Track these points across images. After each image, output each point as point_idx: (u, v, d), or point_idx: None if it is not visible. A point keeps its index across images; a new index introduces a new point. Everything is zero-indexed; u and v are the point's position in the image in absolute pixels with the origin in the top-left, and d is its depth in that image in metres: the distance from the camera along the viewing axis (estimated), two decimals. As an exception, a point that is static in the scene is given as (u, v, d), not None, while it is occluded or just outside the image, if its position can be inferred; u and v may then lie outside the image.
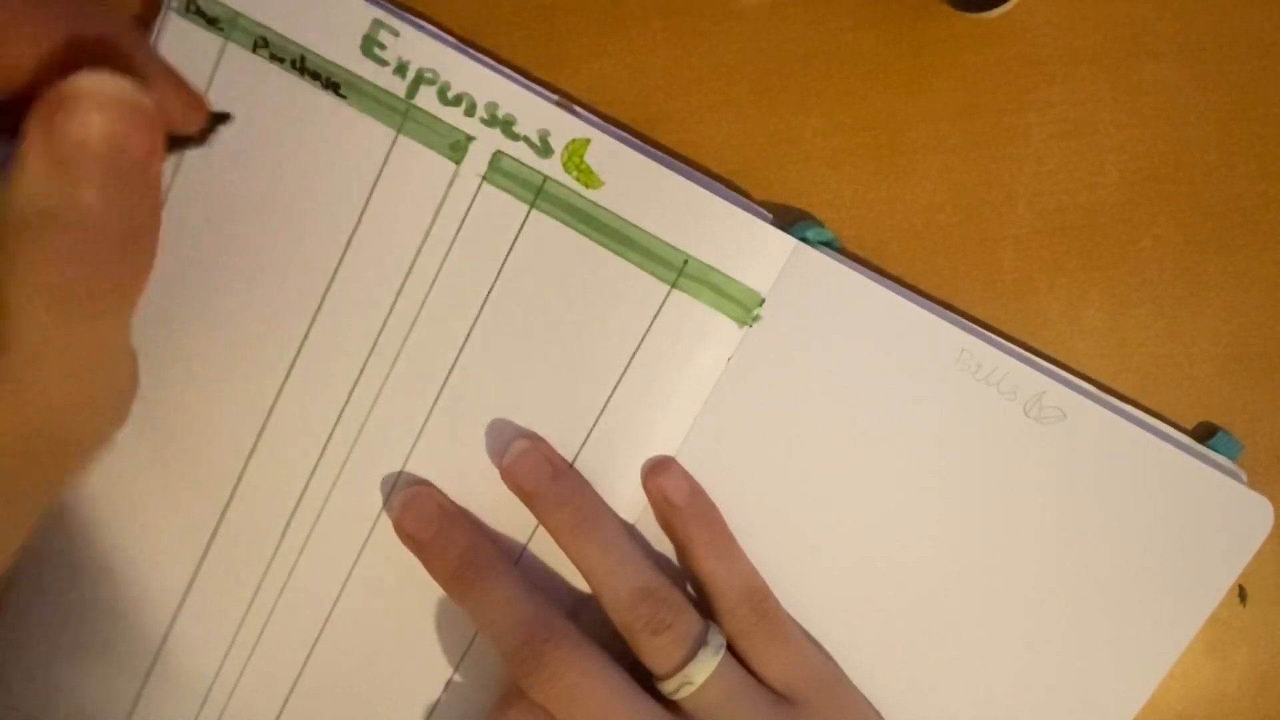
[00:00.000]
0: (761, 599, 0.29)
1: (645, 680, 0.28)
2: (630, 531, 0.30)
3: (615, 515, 0.29)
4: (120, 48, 0.18)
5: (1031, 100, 0.30)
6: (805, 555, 0.30)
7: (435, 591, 0.30)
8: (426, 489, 0.30)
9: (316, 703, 0.32)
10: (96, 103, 0.16)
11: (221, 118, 0.21)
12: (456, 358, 0.30)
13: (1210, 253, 0.29)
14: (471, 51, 0.30)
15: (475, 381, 0.30)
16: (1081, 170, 0.30)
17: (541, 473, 0.29)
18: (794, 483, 0.30)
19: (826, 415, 0.29)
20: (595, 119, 0.30)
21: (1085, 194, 0.30)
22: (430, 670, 0.32)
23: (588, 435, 0.30)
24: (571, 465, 0.30)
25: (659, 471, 0.29)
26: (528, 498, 0.29)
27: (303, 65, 0.29)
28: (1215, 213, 0.29)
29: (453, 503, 0.30)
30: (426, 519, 0.29)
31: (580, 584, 0.31)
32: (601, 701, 0.26)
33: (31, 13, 0.17)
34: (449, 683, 0.32)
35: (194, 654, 0.32)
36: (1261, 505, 0.28)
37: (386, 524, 0.31)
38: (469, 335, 0.30)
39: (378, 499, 0.31)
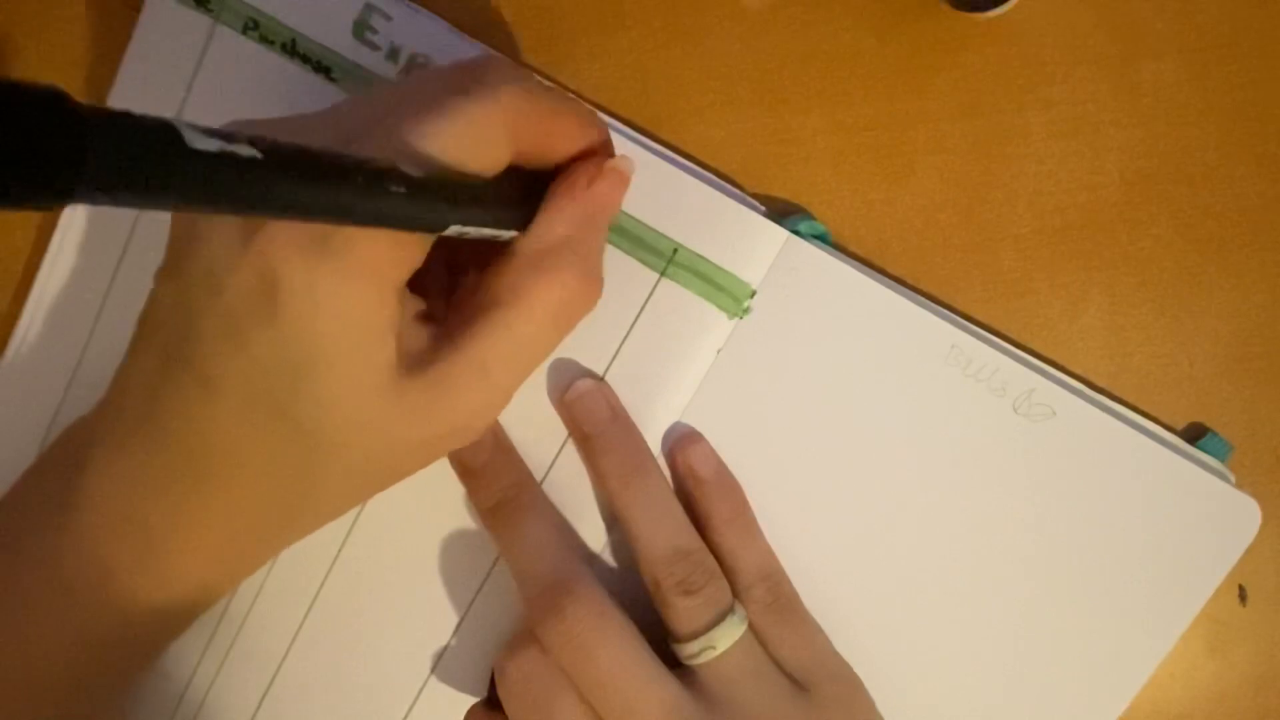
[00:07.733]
0: (778, 581, 0.29)
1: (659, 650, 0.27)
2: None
3: (662, 473, 0.29)
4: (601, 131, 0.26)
5: (1031, 100, 0.30)
6: (791, 548, 0.29)
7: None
8: None
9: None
10: (619, 177, 0.25)
11: None
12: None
13: (1210, 253, 0.30)
14: (465, 36, 0.29)
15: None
16: (1081, 170, 0.30)
17: (601, 414, 0.28)
18: (782, 476, 0.29)
19: (816, 409, 0.29)
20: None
21: (1085, 194, 0.30)
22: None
23: (578, 429, 0.29)
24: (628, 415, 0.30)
25: (686, 444, 0.29)
26: (583, 437, 0.29)
27: (294, 48, 0.28)
28: (1215, 213, 0.29)
29: (507, 438, 0.30)
30: (478, 447, 0.29)
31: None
32: (614, 665, 0.25)
33: (577, 124, 0.25)
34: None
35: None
36: (1248, 506, 0.28)
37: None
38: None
39: None
